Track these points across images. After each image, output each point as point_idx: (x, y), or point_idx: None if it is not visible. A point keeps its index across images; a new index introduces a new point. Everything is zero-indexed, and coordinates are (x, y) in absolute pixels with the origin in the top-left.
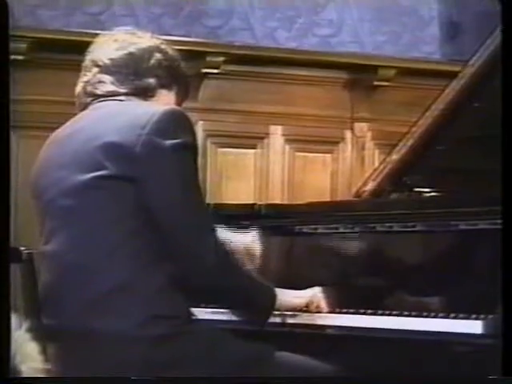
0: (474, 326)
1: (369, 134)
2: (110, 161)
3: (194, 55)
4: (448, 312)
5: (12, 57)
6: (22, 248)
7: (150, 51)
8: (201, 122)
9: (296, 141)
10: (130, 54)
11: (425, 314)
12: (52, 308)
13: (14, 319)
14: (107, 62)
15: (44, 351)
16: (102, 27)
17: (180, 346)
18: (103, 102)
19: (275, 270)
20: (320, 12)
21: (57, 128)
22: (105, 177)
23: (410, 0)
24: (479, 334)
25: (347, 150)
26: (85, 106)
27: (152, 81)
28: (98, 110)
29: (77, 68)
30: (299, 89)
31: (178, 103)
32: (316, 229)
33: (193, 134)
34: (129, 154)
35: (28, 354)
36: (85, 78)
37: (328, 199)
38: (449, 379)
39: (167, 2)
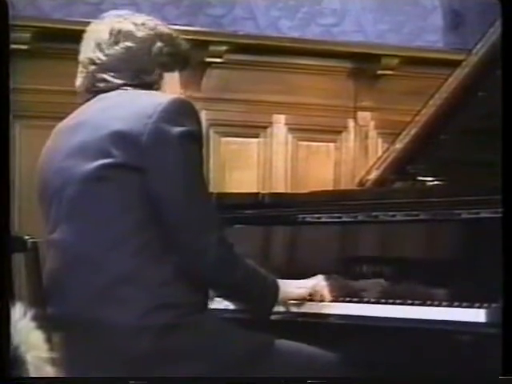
0: (477, 315)
1: (372, 123)
2: (117, 149)
3: (196, 44)
4: (451, 301)
5: (15, 46)
6: (27, 237)
7: (150, 41)
8: (204, 112)
9: (299, 130)
10: (128, 48)
11: (428, 302)
12: (57, 297)
13: (19, 308)
14: (104, 59)
15: (49, 340)
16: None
17: (184, 335)
18: (108, 93)
19: (278, 259)
20: (323, 1)
21: (59, 117)
22: (112, 165)
23: None
24: (482, 323)
25: (350, 139)
26: (88, 98)
27: (156, 70)
28: (104, 99)
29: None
30: (302, 78)
31: (181, 79)
32: (319, 218)
33: (199, 123)
34: (136, 142)
35: (33, 343)
36: (83, 74)
37: (331, 188)
38: (450, 372)
39: None
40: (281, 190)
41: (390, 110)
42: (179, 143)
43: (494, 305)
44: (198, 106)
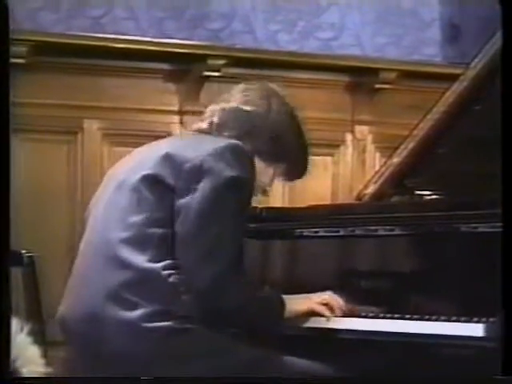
0: (475, 329)
1: (370, 137)
2: (163, 168)
3: (195, 58)
4: (449, 315)
5: (13, 60)
6: (24, 251)
7: (263, 119)
8: None
9: None
10: (245, 112)
11: (426, 317)
12: (71, 296)
13: (16, 323)
14: (225, 106)
15: (45, 355)
16: (103, 31)
17: (187, 343)
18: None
19: (276, 273)
20: (321, 15)
21: (58, 131)
22: (153, 179)
23: (411, 2)
24: (481, 337)
25: (348, 153)
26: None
27: (247, 147)
28: (184, 135)
29: (77, 72)
30: (300, 92)
31: (287, 178)
32: (317, 232)
33: (246, 171)
34: (180, 166)
35: (29, 358)
36: (206, 113)
37: (329, 202)
38: (449, 379)
39: (169, 5)
40: (278, 203)
41: (388, 124)
42: (218, 184)
43: (492, 319)
44: (195, 119)
